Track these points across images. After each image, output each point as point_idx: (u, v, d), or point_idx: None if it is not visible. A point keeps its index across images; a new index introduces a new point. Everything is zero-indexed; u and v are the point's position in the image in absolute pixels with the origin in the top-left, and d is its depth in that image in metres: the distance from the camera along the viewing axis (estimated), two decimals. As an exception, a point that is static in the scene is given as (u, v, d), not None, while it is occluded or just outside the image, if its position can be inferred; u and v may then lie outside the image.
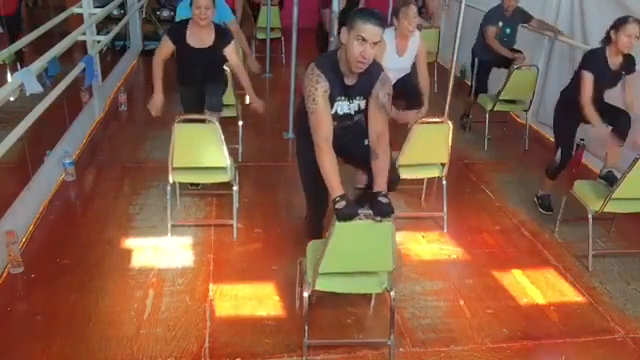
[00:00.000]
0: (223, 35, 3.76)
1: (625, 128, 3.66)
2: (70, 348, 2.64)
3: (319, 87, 2.49)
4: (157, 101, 3.81)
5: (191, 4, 3.56)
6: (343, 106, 2.66)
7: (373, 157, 2.65)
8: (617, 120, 3.68)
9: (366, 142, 2.78)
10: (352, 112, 2.71)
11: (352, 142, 2.84)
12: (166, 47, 3.71)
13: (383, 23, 2.39)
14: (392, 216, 2.41)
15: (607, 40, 3.57)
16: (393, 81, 3.81)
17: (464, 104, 5.67)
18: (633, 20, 3.45)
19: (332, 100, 2.59)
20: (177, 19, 4.29)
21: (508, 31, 5.20)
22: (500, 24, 5.16)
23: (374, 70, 2.62)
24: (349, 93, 2.64)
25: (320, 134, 2.51)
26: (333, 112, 2.62)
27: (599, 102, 3.67)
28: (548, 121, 5.49)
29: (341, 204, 2.38)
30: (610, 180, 3.50)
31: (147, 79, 7.15)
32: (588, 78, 3.55)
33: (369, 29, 2.35)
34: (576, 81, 3.66)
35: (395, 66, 3.79)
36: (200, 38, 3.68)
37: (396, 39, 3.91)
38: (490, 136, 5.28)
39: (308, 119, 2.59)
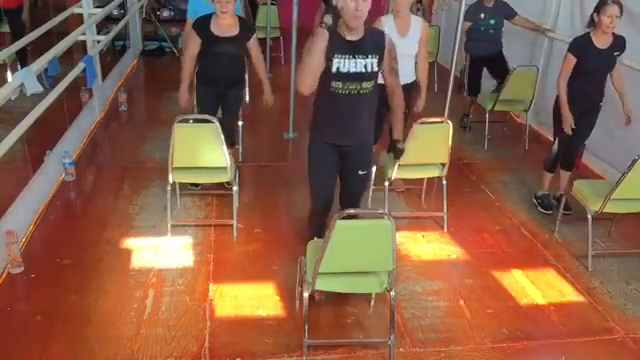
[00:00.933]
0: (247, 27, 3.85)
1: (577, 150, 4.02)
2: (70, 348, 2.64)
3: (320, 32, 2.63)
4: (184, 93, 3.91)
5: None
6: (346, 63, 2.66)
7: (389, 109, 2.96)
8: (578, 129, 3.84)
9: (360, 172, 2.94)
10: (359, 70, 2.68)
11: (353, 119, 2.82)
12: (193, 41, 3.72)
13: None
14: (392, 219, 2.41)
15: (592, 24, 3.70)
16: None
17: (463, 104, 5.68)
18: (612, 1, 3.57)
19: (331, 57, 2.64)
20: (189, 13, 4.33)
21: (492, 22, 5.18)
22: (482, 16, 5.14)
23: (378, 31, 2.82)
24: (352, 49, 2.66)
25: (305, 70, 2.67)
26: (334, 70, 2.65)
27: (593, 91, 3.80)
28: (548, 121, 5.50)
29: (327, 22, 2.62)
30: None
31: (147, 79, 7.19)
32: (569, 59, 3.75)
33: None
34: (572, 76, 3.77)
35: (399, 50, 3.68)
36: (225, 28, 3.70)
37: (395, 20, 3.83)
38: (490, 136, 5.28)
39: (316, 112, 2.80)
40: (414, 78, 3.99)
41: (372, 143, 3.09)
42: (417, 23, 3.91)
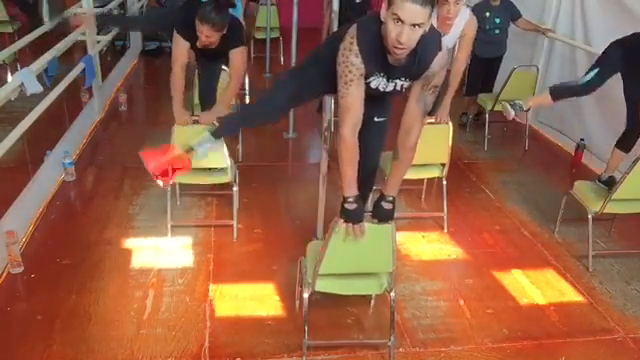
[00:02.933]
0: (232, 39, 3.40)
1: (633, 140, 3.70)
2: (70, 348, 2.64)
3: (354, 70, 2.16)
4: (182, 120, 3.39)
5: None
6: (379, 82, 2.31)
7: (394, 156, 2.45)
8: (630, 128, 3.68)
9: (376, 119, 2.63)
10: (387, 90, 2.36)
11: (368, 112, 2.41)
12: (182, 47, 3.36)
13: (430, 1, 1.95)
14: (392, 221, 2.40)
15: None
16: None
17: (462, 103, 5.68)
18: None
19: (368, 75, 2.26)
20: None
21: (498, 21, 5.14)
22: (487, 14, 5.09)
23: (429, 50, 2.19)
24: (390, 73, 2.28)
25: (347, 122, 2.22)
26: (367, 81, 2.28)
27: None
28: (548, 121, 5.52)
29: (352, 206, 2.25)
30: (610, 185, 3.50)
31: (147, 79, 7.19)
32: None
33: (407, 7, 1.91)
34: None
35: None
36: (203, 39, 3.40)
37: (437, 19, 3.25)
38: (490, 136, 5.28)
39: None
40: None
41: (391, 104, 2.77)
42: (462, 17, 3.37)
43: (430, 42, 2.17)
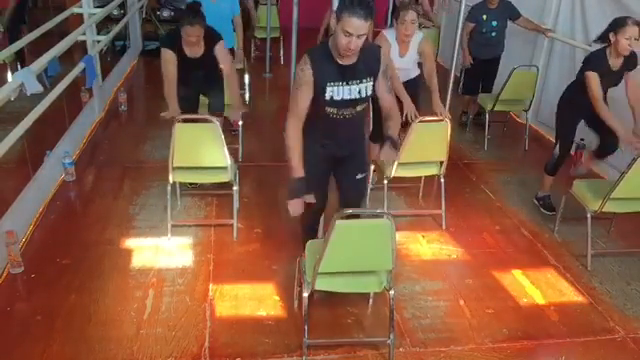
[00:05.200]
0: (211, 39, 3.71)
1: (609, 152, 3.85)
2: (70, 348, 2.64)
3: (302, 76, 2.55)
4: (173, 112, 3.58)
5: None
6: (339, 91, 2.58)
7: (386, 119, 2.77)
8: (605, 140, 3.77)
9: (358, 176, 2.91)
10: (354, 97, 2.61)
11: (348, 135, 2.79)
12: (169, 58, 3.61)
13: (369, 15, 2.37)
14: (391, 219, 2.41)
15: (606, 41, 3.55)
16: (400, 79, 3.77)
17: (461, 102, 5.69)
18: (632, 22, 3.42)
19: (323, 86, 2.55)
20: None
21: (494, 24, 5.15)
22: (484, 17, 5.11)
23: (373, 49, 2.66)
24: (346, 75, 2.57)
25: (291, 116, 2.63)
26: (328, 98, 2.58)
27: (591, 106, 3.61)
28: (548, 121, 5.51)
29: (294, 184, 2.61)
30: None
31: (147, 79, 7.18)
32: (593, 77, 3.51)
33: (354, 23, 2.35)
34: (581, 83, 3.63)
35: (398, 65, 3.75)
36: (192, 49, 3.67)
37: (397, 41, 3.79)
38: (490, 136, 5.28)
39: (310, 125, 2.65)
40: (417, 72, 4.02)
41: (366, 148, 3.04)
42: (416, 39, 3.81)
43: (371, 46, 2.72)
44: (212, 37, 3.74)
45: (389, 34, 3.81)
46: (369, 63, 2.61)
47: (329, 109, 2.61)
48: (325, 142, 2.75)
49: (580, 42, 5.02)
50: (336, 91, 2.58)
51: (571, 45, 5.16)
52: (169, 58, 3.62)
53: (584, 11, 5.02)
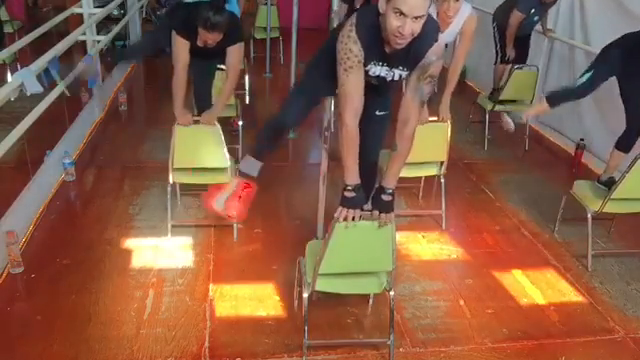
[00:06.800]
0: (229, 38, 3.40)
1: (633, 140, 3.63)
2: (70, 348, 2.64)
3: (352, 57, 2.17)
4: (184, 120, 3.41)
5: None
6: (378, 70, 2.33)
7: (392, 148, 2.45)
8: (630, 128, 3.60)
9: (377, 112, 2.64)
10: (388, 79, 2.37)
11: (369, 105, 2.45)
12: (182, 47, 3.36)
13: None
14: (392, 216, 2.40)
15: None
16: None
17: (495, 75, 5.47)
18: None
19: (366, 63, 2.26)
20: None
21: (535, 19, 5.11)
22: (532, 11, 4.99)
23: (426, 36, 2.19)
24: (390, 61, 2.29)
25: (347, 109, 2.23)
26: (366, 69, 2.29)
27: None
28: (548, 121, 5.52)
29: (351, 194, 2.26)
30: (609, 186, 3.49)
31: (147, 79, 7.19)
32: None
33: (409, 1, 1.95)
34: None
35: None
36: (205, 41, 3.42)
37: (438, 17, 3.26)
38: (490, 136, 5.28)
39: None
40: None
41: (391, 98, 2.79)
42: (462, 13, 3.35)
43: (427, 33, 2.18)
44: (231, 36, 3.39)
45: (431, 8, 3.59)
46: (416, 53, 2.23)
47: (365, 77, 2.32)
48: None
49: (580, 42, 5.02)
50: (374, 69, 2.32)
51: (571, 45, 5.16)
52: (182, 46, 3.35)
53: (584, 11, 5.02)
